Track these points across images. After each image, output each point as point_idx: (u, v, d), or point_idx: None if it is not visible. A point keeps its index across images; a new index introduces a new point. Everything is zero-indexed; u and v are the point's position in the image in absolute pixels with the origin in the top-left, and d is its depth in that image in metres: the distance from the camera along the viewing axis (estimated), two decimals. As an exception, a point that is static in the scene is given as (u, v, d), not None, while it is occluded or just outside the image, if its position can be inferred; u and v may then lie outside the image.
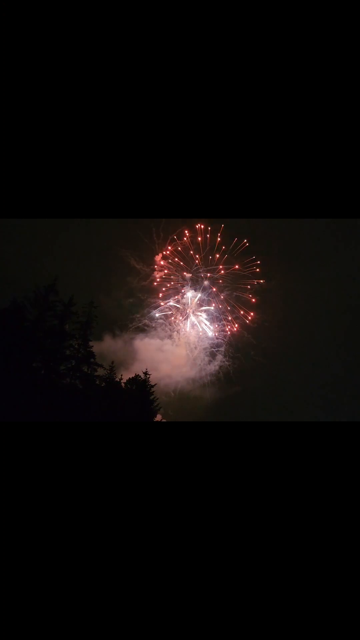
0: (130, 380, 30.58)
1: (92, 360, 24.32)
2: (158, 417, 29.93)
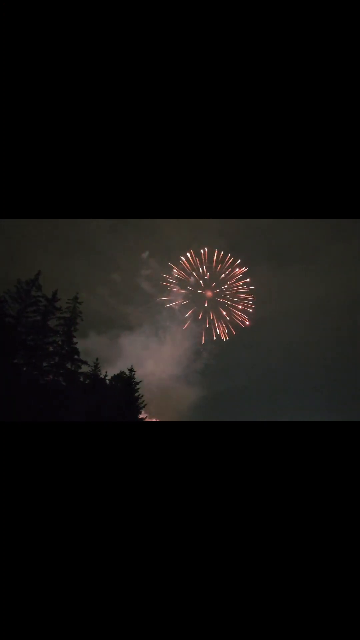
0: (115, 377, 30.31)
1: (76, 357, 23.84)
2: (143, 414, 29.81)
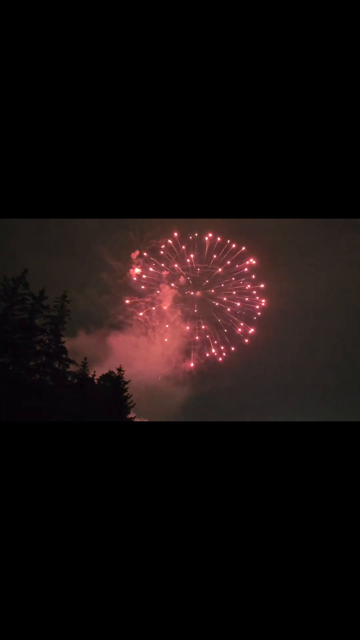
0: (103, 377, 30.02)
1: (64, 356, 23.49)
2: (131, 414, 29.62)
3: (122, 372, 29.01)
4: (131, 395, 29.56)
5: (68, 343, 23.99)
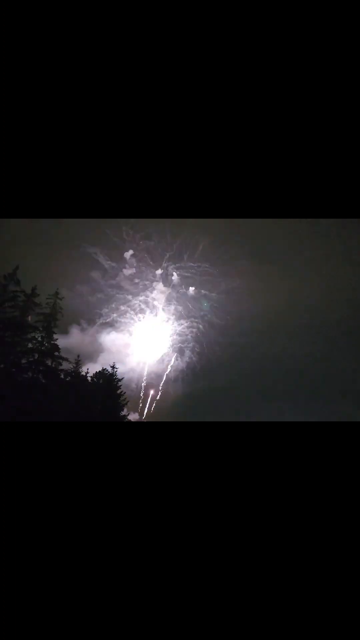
0: (96, 374, 29.90)
1: (56, 353, 23.27)
2: (124, 412, 29.61)
3: (115, 370, 28.94)
4: (124, 393, 29.55)
5: (60, 341, 23.79)
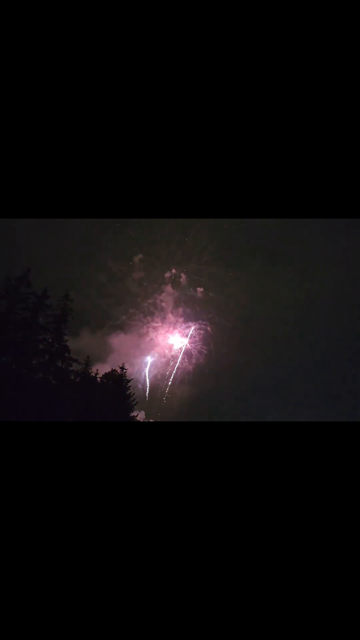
0: (106, 375, 30.10)
1: (66, 355, 23.50)
2: (134, 413, 29.69)
3: (124, 371, 29.08)
4: (134, 394, 29.66)
5: (70, 343, 24.02)
